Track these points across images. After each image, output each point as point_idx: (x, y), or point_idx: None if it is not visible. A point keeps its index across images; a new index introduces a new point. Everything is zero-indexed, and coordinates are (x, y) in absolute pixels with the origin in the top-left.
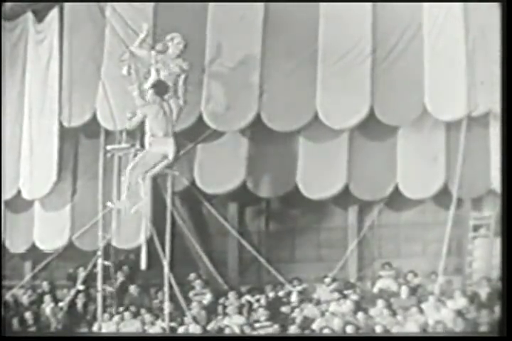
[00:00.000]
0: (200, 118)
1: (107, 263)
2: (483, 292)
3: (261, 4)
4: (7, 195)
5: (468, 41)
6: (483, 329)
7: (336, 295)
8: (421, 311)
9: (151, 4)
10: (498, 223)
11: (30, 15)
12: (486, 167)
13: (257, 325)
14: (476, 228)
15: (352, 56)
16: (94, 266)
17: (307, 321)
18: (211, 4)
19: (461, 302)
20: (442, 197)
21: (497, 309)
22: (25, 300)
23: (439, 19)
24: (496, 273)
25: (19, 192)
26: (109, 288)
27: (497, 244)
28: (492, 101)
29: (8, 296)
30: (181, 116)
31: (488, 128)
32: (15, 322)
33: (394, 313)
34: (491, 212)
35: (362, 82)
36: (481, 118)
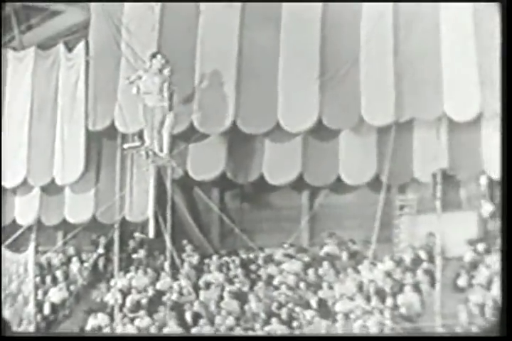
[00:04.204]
0: (191, 125)
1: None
2: (408, 257)
3: (237, 24)
4: (43, 181)
5: (399, 52)
6: (408, 289)
7: (294, 256)
8: (357, 271)
9: (155, 38)
10: (419, 203)
11: (61, 46)
12: (409, 160)
13: (235, 280)
14: (401, 207)
15: (305, 76)
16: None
17: (270, 278)
18: (200, 36)
19: (389, 265)
20: (375, 183)
21: (419, 272)
22: (56, 261)
23: (370, 43)
24: (418, 242)
25: (53, 179)
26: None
27: (418, 219)
28: (416, 109)
29: (42, 259)
30: (177, 122)
31: (412, 131)
32: (48, 279)
33: (337, 272)
34: (413, 195)
35: (312, 95)
36: (406, 123)
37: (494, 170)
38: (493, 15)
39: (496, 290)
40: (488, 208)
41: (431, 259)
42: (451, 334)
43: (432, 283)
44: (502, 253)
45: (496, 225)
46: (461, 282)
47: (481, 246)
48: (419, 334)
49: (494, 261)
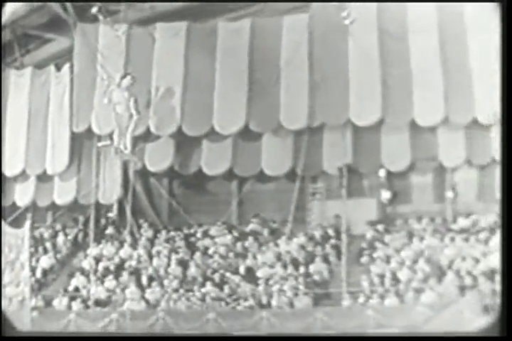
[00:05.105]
0: (148, 128)
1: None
2: (318, 234)
3: (182, 49)
4: (38, 171)
5: (313, 70)
6: (318, 260)
7: (225, 232)
8: (277, 245)
9: (123, 61)
10: (328, 191)
11: (52, 67)
12: (319, 157)
13: (179, 250)
14: (313, 194)
15: (236, 90)
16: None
17: (206, 248)
18: (155, 59)
19: (303, 240)
20: (291, 175)
21: (328, 246)
22: (46, 235)
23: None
24: (326, 222)
25: (45, 170)
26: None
27: (327, 204)
28: (326, 116)
29: (36, 233)
30: (138, 126)
31: (322, 133)
32: (40, 249)
33: (260, 245)
34: (323, 184)
35: (241, 105)
36: (317, 127)
37: (391, 164)
38: (401, 33)
39: (394, 263)
40: (386, 195)
41: (338, 236)
42: (451, 334)
43: (339, 256)
44: (502, 254)
45: (393, 210)
46: (364, 256)
47: (380, 227)
48: (419, 334)
49: (391, 239)
